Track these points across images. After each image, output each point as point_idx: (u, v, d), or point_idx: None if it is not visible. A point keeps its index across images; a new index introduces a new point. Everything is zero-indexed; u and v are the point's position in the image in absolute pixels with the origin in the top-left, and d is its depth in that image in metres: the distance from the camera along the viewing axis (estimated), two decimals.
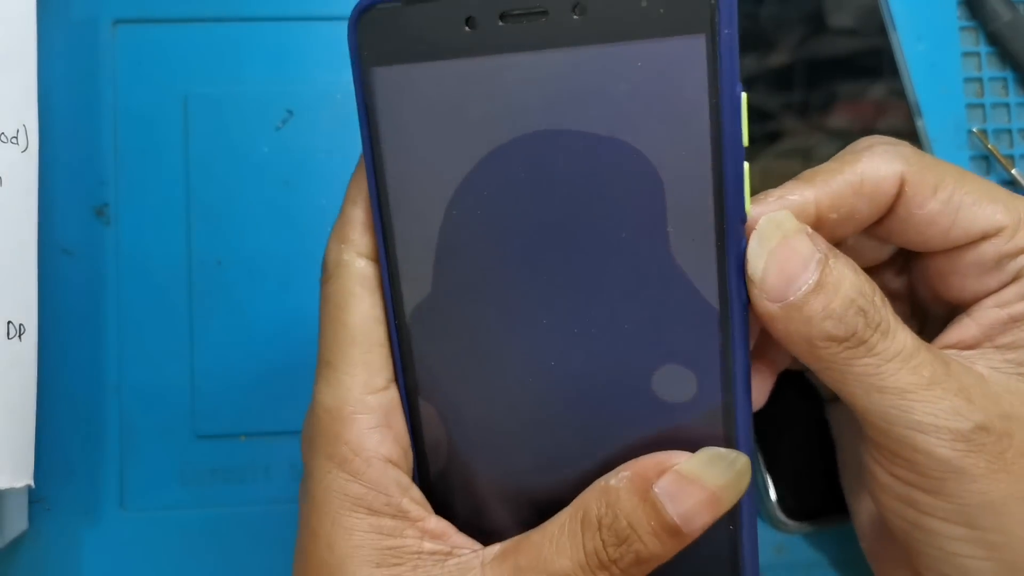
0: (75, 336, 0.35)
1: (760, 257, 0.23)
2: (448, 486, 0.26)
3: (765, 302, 0.23)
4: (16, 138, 0.30)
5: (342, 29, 0.35)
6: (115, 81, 0.36)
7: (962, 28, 0.38)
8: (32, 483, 0.30)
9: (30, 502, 0.34)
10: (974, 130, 0.38)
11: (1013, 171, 0.37)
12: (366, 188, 0.25)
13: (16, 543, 0.33)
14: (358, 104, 0.24)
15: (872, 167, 0.25)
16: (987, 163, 0.38)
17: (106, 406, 0.34)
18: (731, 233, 0.23)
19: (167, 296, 0.35)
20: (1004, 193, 0.26)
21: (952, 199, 0.25)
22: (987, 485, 0.23)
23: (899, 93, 0.36)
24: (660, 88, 0.23)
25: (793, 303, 0.23)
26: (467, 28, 0.24)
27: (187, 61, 0.36)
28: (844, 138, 0.36)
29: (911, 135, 0.36)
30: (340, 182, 0.26)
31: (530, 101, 0.24)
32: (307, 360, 0.35)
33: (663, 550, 0.23)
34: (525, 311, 0.25)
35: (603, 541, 0.23)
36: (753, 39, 0.36)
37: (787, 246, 0.23)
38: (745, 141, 0.23)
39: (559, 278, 0.24)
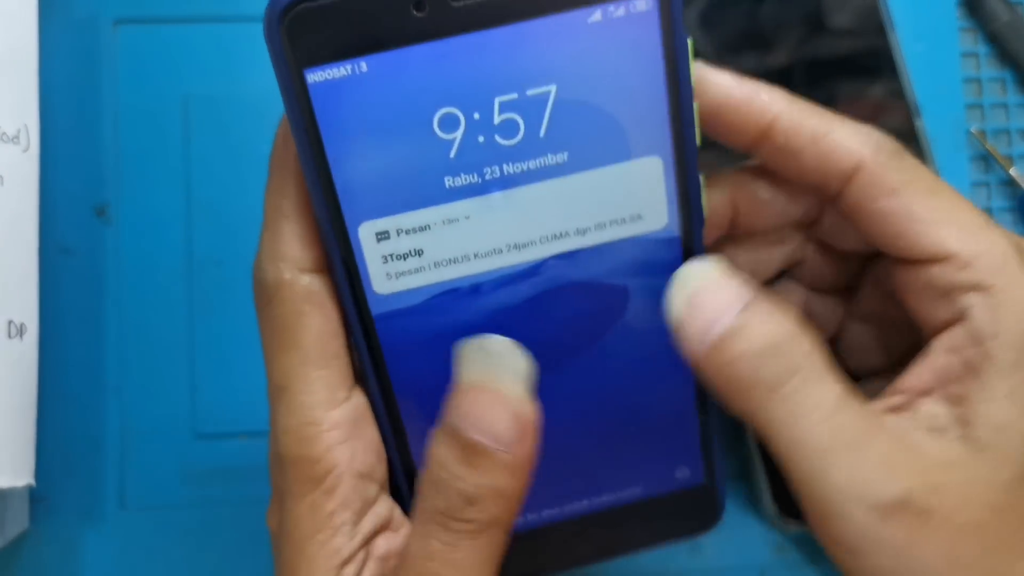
0: (75, 336, 0.35)
1: (680, 301, 0.23)
2: None
3: (687, 345, 0.23)
4: (17, 138, 0.30)
5: None
6: (116, 81, 0.36)
7: (961, 28, 0.38)
8: (33, 482, 0.30)
9: (31, 501, 0.34)
10: (973, 130, 0.38)
11: (1011, 171, 0.37)
12: (296, 200, 0.24)
13: (17, 542, 0.34)
14: (290, 112, 0.23)
15: (839, 136, 0.24)
16: (986, 163, 0.38)
17: (106, 406, 0.35)
18: (690, 170, 0.24)
19: (167, 296, 0.35)
20: (975, 220, 0.24)
21: (909, 208, 0.24)
22: (905, 556, 0.22)
23: (898, 93, 0.36)
24: (615, 44, 0.23)
25: (713, 345, 0.22)
26: (416, 12, 0.23)
27: (188, 61, 0.36)
28: None
29: (910, 135, 0.36)
30: None
31: (488, 80, 0.23)
32: None
33: (490, 479, 0.22)
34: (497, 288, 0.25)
35: (426, 497, 0.22)
36: (752, 39, 0.36)
37: (707, 290, 0.23)
38: (693, 81, 0.24)
39: (527, 242, 0.25)
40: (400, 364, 0.25)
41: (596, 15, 0.23)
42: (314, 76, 0.23)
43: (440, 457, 0.22)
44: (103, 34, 0.36)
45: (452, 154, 0.24)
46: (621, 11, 0.23)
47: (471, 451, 0.22)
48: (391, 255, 0.24)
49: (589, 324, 0.26)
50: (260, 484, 0.35)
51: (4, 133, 0.29)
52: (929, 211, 0.24)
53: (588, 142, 0.24)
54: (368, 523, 0.24)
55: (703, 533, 0.29)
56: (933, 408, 0.23)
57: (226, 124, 0.35)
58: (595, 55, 0.24)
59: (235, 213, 0.35)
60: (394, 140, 0.23)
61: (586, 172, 0.24)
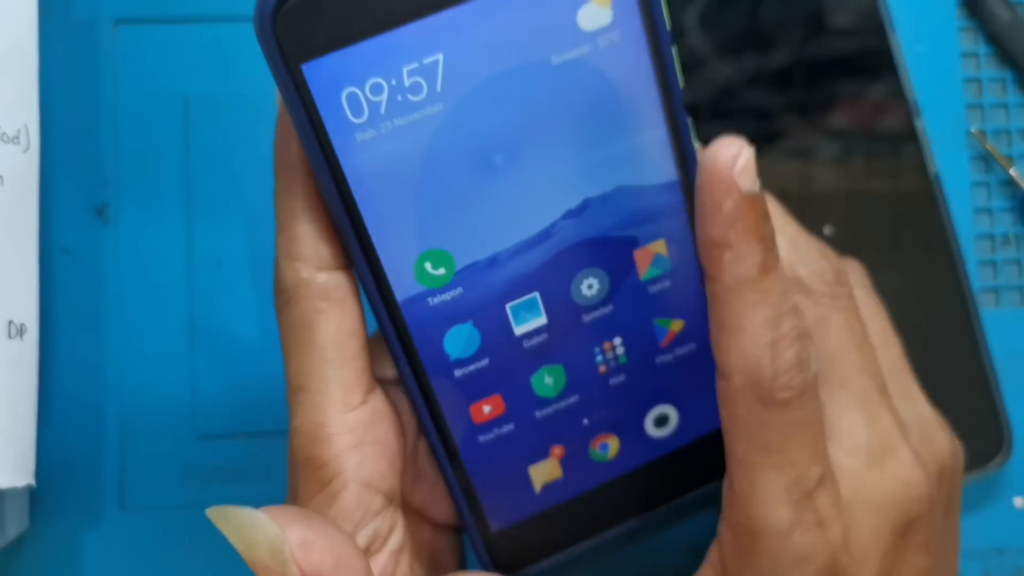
0: (75, 335, 0.35)
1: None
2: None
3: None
4: (17, 138, 0.30)
5: None
6: (116, 81, 0.36)
7: (961, 28, 0.38)
8: (33, 482, 0.30)
9: (31, 502, 0.34)
10: (973, 130, 0.38)
11: (1011, 171, 0.37)
12: (305, 199, 0.24)
13: (17, 543, 0.33)
14: (292, 109, 0.23)
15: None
16: (986, 163, 0.38)
17: (106, 405, 0.35)
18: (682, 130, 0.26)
19: (167, 295, 0.35)
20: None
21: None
22: None
23: (898, 93, 0.36)
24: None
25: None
26: None
27: (188, 61, 0.36)
28: (844, 138, 0.36)
29: (910, 135, 0.36)
30: None
31: (472, 50, 0.24)
32: None
33: None
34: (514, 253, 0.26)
35: None
36: (752, 39, 0.36)
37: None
38: (668, 25, 0.25)
39: (537, 208, 0.26)
40: (429, 345, 0.26)
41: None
42: (312, 69, 0.23)
43: None
44: (103, 34, 0.36)
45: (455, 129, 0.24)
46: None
47: None
48: None
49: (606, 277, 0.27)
50: (261, 484, 0.35)
51: (4, 133, 0.29)
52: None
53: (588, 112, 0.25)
54: (363, 537, 0.24)
55: None
56: None
57: (226, 124, 0.35)
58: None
59: (236, 212, 0.35)
60: (399, 123, 0.24)
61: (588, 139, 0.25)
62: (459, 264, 0.26)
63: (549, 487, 0.29)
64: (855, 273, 0.31)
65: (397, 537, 0.26)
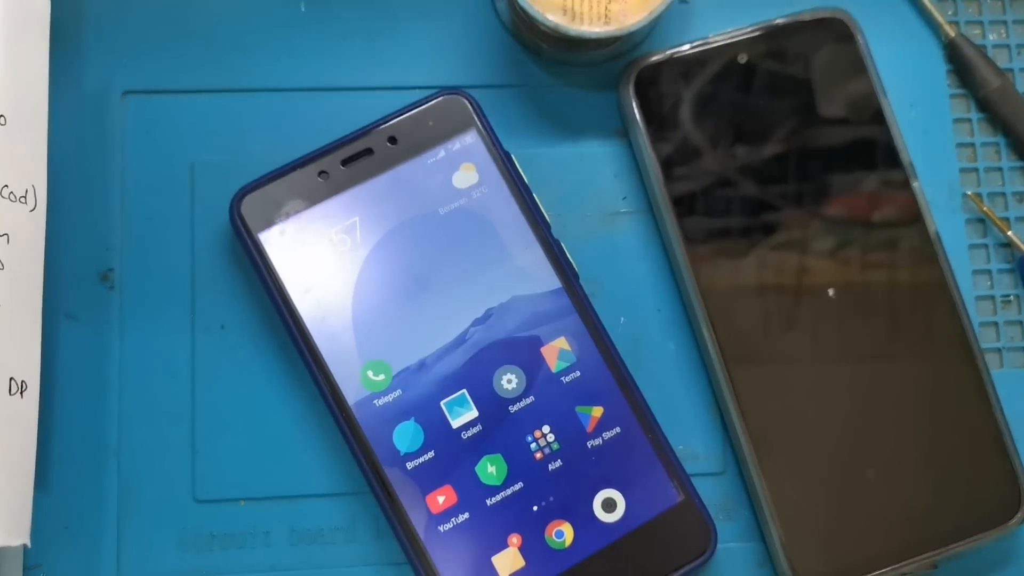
0: (77, 400, 0.34)
1: None
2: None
3: None
4: (25, 197, 0.30)
5: (344, 99, 0.37)
6: (124, 149, 0.36)
7: (952, 95, 0.39)
8: (28, 542, 0.29)
9: (25, 568, 0.33)
10: (969, 193, 0.38)
11: (1009, 233, 0.37)
12: None
13: None
14: (254, 267, 0.34)
15: None
16: (983, 226, 0.38)
17: (106, 469, 0.34)
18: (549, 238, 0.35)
19: (170, 359, 0.35)
20: None
21: None
22: None
23: (895, 183, 0.36)
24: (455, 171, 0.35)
25: None
26: (319, 179, 0.34)
27: (194, 130, 0.37)
28: (842, 227, 0.36)
29: (907, 197, 0.36)
30: None
31: (379, 211, 0.34)
32: (308, 424, 0.35)
33: None
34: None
35: None
36: (744, 130, 0.37)
37: None
38: (525, 179, 0.35)
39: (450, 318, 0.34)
40: (381, 441, 0.33)
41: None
42: (265, 236, 0.34)
43: None
44: (112, 104, 0.36)
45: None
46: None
47: None
48: None
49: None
50: (259, 550, 0.34)
51: (12, 192, 0.30)
52: None
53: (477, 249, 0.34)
54: None
55: (702, 557, 0.33)
56: None
57: (232, 191, 0.35)
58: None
59: (240, 279, 0.36)
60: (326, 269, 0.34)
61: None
62: (395, 370, 0.33)
63: None
64: None
65: None
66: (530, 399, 0.33)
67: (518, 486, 0.33)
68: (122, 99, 0.37)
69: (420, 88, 0.37)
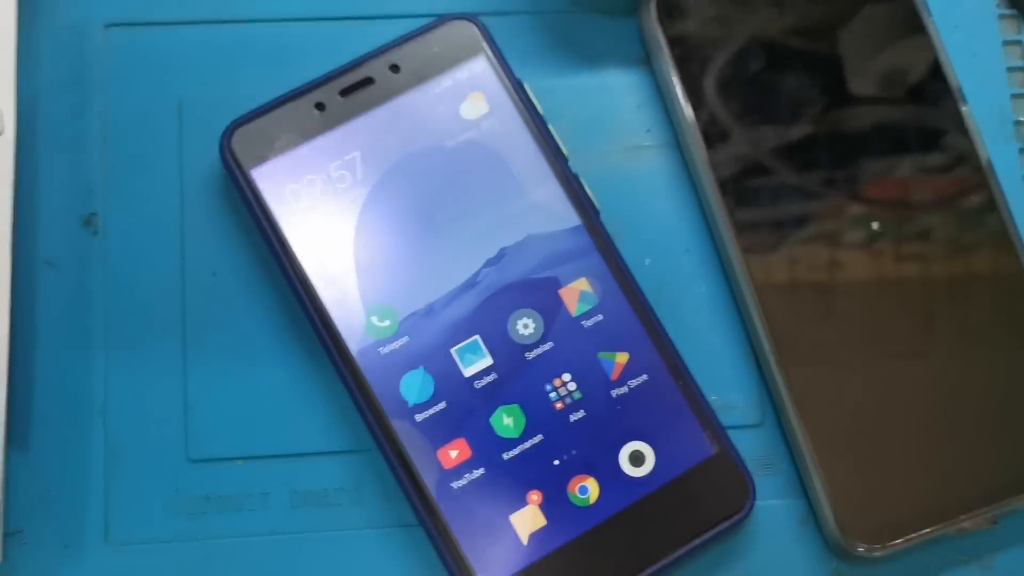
0: (58, 353, 0.32)
1: None
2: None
3: None
4: None
5: (343, 29, 0.35)
6: (106, 86, 0.34)
7: (1001, 16, 0.36)
8: None
9: (5, 534, 0.31)
10: (1021, 119, 0.36)
11: None
12: None
13: None
14: (247, 206, 0.32)
15: None
16: None
17: (91, 428, 0.32)
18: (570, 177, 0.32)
19: (159, 310, 0.33)
20: None
21: None
22: None
23: (942, 80, 0.34)
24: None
25: None
26: (316, 111, 0.32)
27: (182, 65, 0.34)
28: (888, 154, 0.34)
29: (958, 124, 0.34)
30: None
31: (382, 145, 0.32)
32: (309, 376, 0.32)
33: None
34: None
35: None
36: (773, 111, 0.34)
37: None
38: (539, 110, 0.33)
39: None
40: (387, 392, 0.30)
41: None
42: (259, 172, 0.31)
43: None
44: (93, 37, 0.34)
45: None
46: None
47: None
48: None
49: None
50: (258, 513, 0.32)
51: None
52: None
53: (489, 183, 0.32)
54: None
55: (739, 514, 0.30)
56: None
57: (222, 129, 0.32)
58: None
59: (232, 222, 0.33)
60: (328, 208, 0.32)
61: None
62: (401, 315, 0.31)
63: (536, 536, 0.30)
64: None
65: None
66: (548, 345, 0.31)
67: (537, 439, 0.31)
68: (104, 32, 0.34)
69: (425, 16, 0.34)
